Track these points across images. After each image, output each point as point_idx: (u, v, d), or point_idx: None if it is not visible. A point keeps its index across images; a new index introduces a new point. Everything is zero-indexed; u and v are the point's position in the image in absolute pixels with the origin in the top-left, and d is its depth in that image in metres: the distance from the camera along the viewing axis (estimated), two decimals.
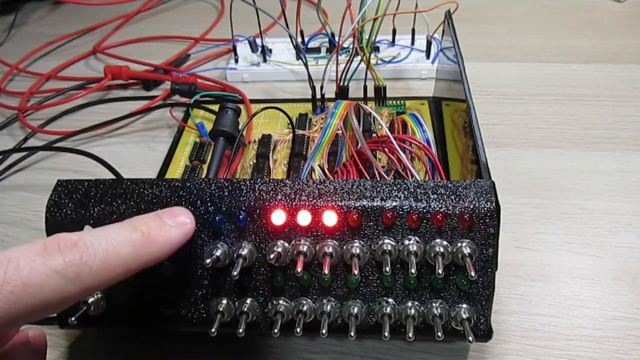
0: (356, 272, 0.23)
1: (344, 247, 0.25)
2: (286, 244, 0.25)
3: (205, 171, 0.40)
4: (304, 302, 0.25)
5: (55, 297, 0.18)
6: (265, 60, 0.53)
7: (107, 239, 0.20)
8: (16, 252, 0.18)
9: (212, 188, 0.25)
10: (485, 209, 0.24)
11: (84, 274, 0.19)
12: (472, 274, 0.23)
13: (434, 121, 0.44)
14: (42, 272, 0.18)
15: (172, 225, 0.23)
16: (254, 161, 0.41)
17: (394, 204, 0.24)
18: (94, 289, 0.20)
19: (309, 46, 0.54)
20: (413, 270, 0.23)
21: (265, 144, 0.42)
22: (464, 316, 0.25)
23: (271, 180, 0.26)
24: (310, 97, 0.45)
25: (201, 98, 0.48)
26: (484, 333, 0.25)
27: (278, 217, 0.25)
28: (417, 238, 0.24)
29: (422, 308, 0.25)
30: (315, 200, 0.25)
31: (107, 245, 0.20)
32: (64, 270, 0.18)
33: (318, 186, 0.25)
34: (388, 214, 0.24)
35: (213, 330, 0.24)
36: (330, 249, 0.24)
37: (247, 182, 0.26)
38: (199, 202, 0.25)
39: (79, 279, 0.19)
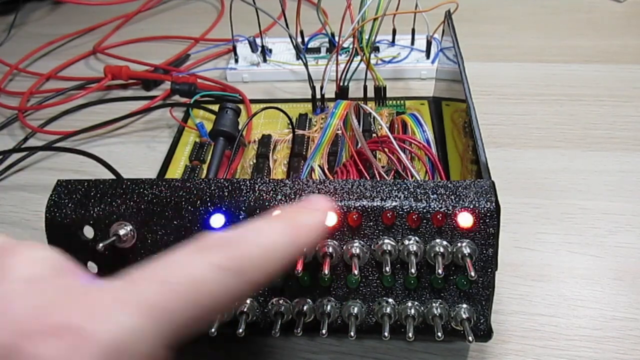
0: (356, 272, 0.23)
1: (344, 247, 0.25)
2: None
3: (205, 171, 0.40)
4: (304, 302, 0.25)
5: (223, 294, 0.17)
6: (265, 60, 0.53)
7: (257, 231, 0.19)
8: (172, 256, 0.17)
9: (212, 188, 0.25)
10: (485, 209, 0.24)
11: (247, 267, 0.18)
12: (472, 274, 0.23)
13: (434, 121, 0.44)
14: (206, 268, 0.17)
15: (312, 209, 0.21)
16: (254, 161, 0.41)
17: (394, 204, 0.24)
18: (260, 284, 0.18)
19: (309, 46, 0.54)
20: (413, 270, 0.23)
21: (265, 144, 0.42)
22: (464, 316, 0.25)
23: (271, 180, 0.26)
24: (310, 97, 0.45)
25: (201, 98, 0.48)
26: (484, 333, 0.25)
27: None
28: (417, 238, 0.24)
29: (422, 308, 0.25)
30: None
31: (259, 237, 0.19)
32: (227, 264, 0.17)
33: (318, 186, 0.25)
34: (388, 214, 0.24)
35: (213, 330, 0.24)
36: (330, 249, 0.24)
37: (247, 182, 0.26)
38: (199, 202, 0.25)
39: (242, 272, 0.17)
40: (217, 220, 0.25)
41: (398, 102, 0.47)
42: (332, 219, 0.24)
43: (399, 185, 0.25)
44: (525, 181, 0.39)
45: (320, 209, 0.22)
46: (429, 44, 0.51)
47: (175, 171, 0.41)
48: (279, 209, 0.22)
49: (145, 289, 0.16)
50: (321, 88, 0.45)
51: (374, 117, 0.40)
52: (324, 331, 0.24)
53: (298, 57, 0.52)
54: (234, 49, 0.53)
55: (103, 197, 0.26)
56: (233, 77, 0.53)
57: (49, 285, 0.16)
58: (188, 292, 0.16)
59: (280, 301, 0.25)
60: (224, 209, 0.25)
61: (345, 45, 0.48)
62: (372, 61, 0.45)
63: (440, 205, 0.24)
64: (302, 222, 0.20)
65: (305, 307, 0.25)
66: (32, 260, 0.17)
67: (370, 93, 0.46)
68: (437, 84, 0.46)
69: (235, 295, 0.17)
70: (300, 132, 0.42)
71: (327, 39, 0.53)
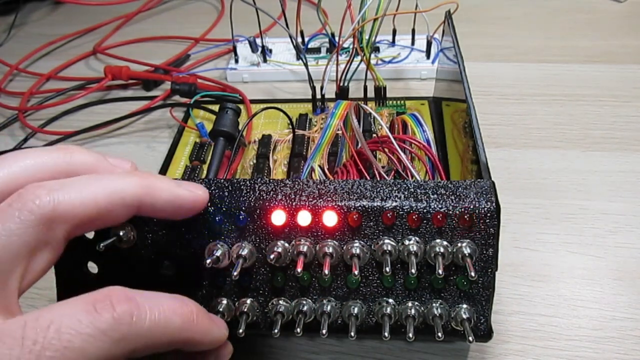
0: (356, 272, 0.23)
1: (344, 247, 0.25)
2: (286, 244, 0.25)
3: (205, 171, 0.40)
4: (304, 302, 0.25)
5: (94, 355, 0.17)
6: (265, 61, 0.53)
7: (159, 304, 0.19)
8: (62, 310, 0.17)
9: (212, 188, 0.25)
10: (485, 209, 0.24)
11: (132, 336, 0.18)
12: (472, 274, 0.23)
13: (434, 121, 0.44)
14: (87, 333, 0.17)
15: (215, 323, 0.23)
16: (254, 161, 0.41)
17: (394, 204, 0.24)
18: (138, 354, 0.19)
19: (309, 46, 0.54)
20: (413, 271, 0.23)
21: (265, 144, 0.42)
22: (464, 316, 0.25)
23: (271, 181, 0.26)
24: (310, 97, 0.45)
25: (201, 98, 0.48)
26: (484, 333, 0.25)
27: (278, 217, 0.25)
28: (417, 238, 0.24)
29: (422, 308, 0.25)
30: (315, 201, 0.25)
31: (158, 308, 0.19)
32: (111, 330, 0.17)
33: (318, 186, 0.25)
34: (388, 214, 0.24)
35: None
36: (330, 249, 0.24)
37: (247, 182, 0.26)
38: None
39: (125, 340, 0.18)
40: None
41: (398, 102, 0.47)
42: (332, 219, 0.24)
43: (399, 186, 0.25)
44: (525, 181, 0.39)
45: (218, 325, 0.23)
46: (429, 44, 0.51)
47: (176, 171, 0.41)
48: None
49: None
50: (321, 88, 0.45)
51: (374, 117, 0.40)
52: (324, 331, 0.24)
53: (298, 57, 0.52)
54: (234, 49, 0.53)
55: None
56: (233, 77, 0.53)
57: None
58: (64, 348, 0.16)
59: (280, 301, 0.25)
60: (224, 209, 0.25)
61: (345, 45, 0.48)
62: (372, 61, 0.45)
63: (440, 206, 0.24)
64: (201, 321, 0.21)
65: (305, 307, 0.25)
66: None
67: (371, 93, 0.46)
68: (437, 84, 0.46)
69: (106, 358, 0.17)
70: (300, 132, 0.42)
71: (327, 39, 0.53)
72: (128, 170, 0.23)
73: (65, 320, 0.17)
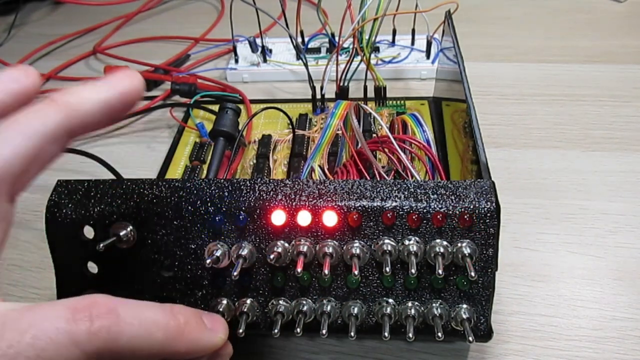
0: (356, 272, 0.23)
1: (344, 247, 0.25)
2: (286, 244, 0.25)
3: (205, 171, 0.40)
4: (304, 302, 0.25)
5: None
6: (265, 61, 0.53)
7: (142, 316, 0.19)
8: (43, 314, 0.17)
9: (212, 188, 0.25)
10: (485, 209, 0.24)
11: (106, 351, 0.17)
12: (472, 274, 0.23)
13: (434, 121, 0.44)
14: (60, 343, 0.16)
15: (209, 329, 0.22)
16: (254, 161, 0.41)
17: (394, 204, 0.24)
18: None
19: (309, 46, 0.54)
20: (413, 271, 0.23)
21: (265, 144, 0.42)
22: (464, 316, 0.25)
23: (271, 181, 0.26)
24: (310, 97, 0.45)
25: (201, 98, 0.48)
26: (484, 333, 0.25)
27: (278, 217, 0.25)
28: (417, 238, 0.24)
29: (422, 308, 0.25)
30: (315, 201, 0.25)
31: (140, 322, 0.18)
32: (85, 343, 0.17)
33: (318, 186, 0.25)
34: (388, 214, 0.24)
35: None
36: (330, 249, 0.24)
37: (247, 182, 0.26)
38: (199, 202, 0.25)
39: (99, 354, 0.17)
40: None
41: (398, 102, 0.47)
42: (332, 219, 0.24)
43: (399, 186, 0.25)
44: (525, 181, 0.39)
45: (213, 330, 0.22)
46: (429, 44, 0.51)
47: (176, 171, 0.41)
48: (179, 305, 0.21)
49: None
50: (321, 88, 0.45)
51: (374, 117, 0.40)
52: (324, 331, 0.24)
53: (298, 57, 0.52)
54: (234, 49, 0.53)
55: (103, 197, 0.26)
56: (233, 77, 0.53)
57: None
58: (37, 356, 0.16)
59: (280, 301, 0.25)
60: (224, 209, 0.25)
61: (345, 45, 0.48)
62: (372, 61, 0.45)
63: (440, 206, 0.24)
64: (189, 333, 0.20)
65: (305, 307, 0.25)
66: None
67: (371, 93, 0.46)
68: (437, 84, 0.46)
69: None
70: (300, 132, 0.42)
71: (327, 39, 0.53)
72: (45, 101, 0.20)
73: (44, 326, 0.17)
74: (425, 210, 0.24)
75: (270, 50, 0.54)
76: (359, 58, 0.43)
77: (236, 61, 0.54)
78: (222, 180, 0.26)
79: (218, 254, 0.24)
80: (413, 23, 0.53)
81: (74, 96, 0.20)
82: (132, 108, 0.21)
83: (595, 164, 0.40)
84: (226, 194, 0.25)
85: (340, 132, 0.35)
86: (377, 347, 0.29)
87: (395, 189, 0.25)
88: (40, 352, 0.16)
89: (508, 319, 0.30)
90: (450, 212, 0.24)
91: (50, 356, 0.16)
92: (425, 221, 0.24)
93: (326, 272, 0.23)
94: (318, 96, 0.45)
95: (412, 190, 0.25)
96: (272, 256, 0.24)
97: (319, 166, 0.33)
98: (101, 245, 0.23)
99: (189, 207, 0.25)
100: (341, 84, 0.45)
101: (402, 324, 0.25)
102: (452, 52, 0.36)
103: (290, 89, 0.51)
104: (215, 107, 0.43)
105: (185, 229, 0.25)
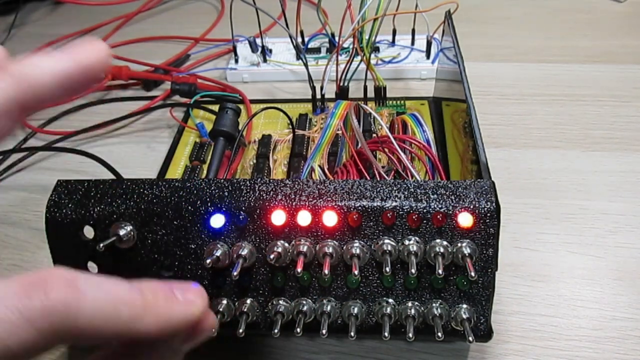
0: (356, 272, 0.23)
1: (344, 247, 0.25)
2: (286, 244, 0.25)
3: (205, 171, 0.40)
4: (304, 302, 0.25)
5: (20, 351, 0.15)
6: (265, 61, 0.53)
7: (106, 289, 0.16)
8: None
9: (212, 188, 0.25)
10: (485, 209, 0.24)
11: (64, 328, 0.15)
12: (472, 274, 0.23)
13: (434, 121, 0.44)
14: (10, 321, 0.14)
15: (180, 301, 0.19)
16: (254, 161, 0.41)
17: (394, 204, 0.24)
18: (78, 345, 0.17)
19: (309, 46, 0.54)
20: (413, 271, 0.23)
21: (265, 144, 0.42)
22: (464, 316, 0.25)
23: (271, 181, 0.26)
24: (310, 97, 0.45)
25: (201, 98, 0.48)
26: (484, 333, 0.25)
27: (278, 217, 0.25)
28: (417, 238, 0.24)
29: (422, 308, 0.25)
30: (315, 201, 0.25)
31: (104, 296, 0.16)
32: (39, 320, 0.15)
33: (318, 186, 0.25)
34: (388, 214, 0.24)
35: (213, 330, 0.24)
36: (330, 249, 0.24)
37: (247, 182, 0.26)
38: (199, 202, 0.25)
39: (55, 332, 0.15)
40: (217, 220, 0.25)
41: (398, 102, 0.47)
42: (332, 219, 0.24)
43: (399, 186, 0.25)
44: (525, 181, 0.39)
45: (185, 302, 0.19)
46: (429, 44, 0.51)
47: (176, 171, 0.41)
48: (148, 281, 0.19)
49: None
50: (321, 88, 0.45)
51: (374, 117, 0.40)
52: (324, 331, 0.24)
53: (298, 57, 0.52)
54: (234, 49, 0.53)
55: (103, 197, 0.26)
56: (233, 77, 0.53)
57: None
58: None
59: (280, 301, 0.25)
60: (224, 209, 0.25)
61: (345, 45, 0.48)
62: (372, 61, 0.45)
63: (440, 206, 0.24)
64: (156, 309, 0.18)
65: (305, 307, 0.25)
66: None
67: (371, 93, 0.46)
68: (437, 84, 0.46)
69: (35, 354, 0.15)
70: (300, 132, 0.42)
71: (327, 39, 0.53)
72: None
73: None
74: (425, 210, 0.24)
75: (270, 50, 0.54)
76: (359, 58, 0.43)
77: (236, 61, 0.54)
78: (222, 180, 0.26)
79: (218, 254, 0.24)
80: (413, 23, 0.53)
81: (29, 67, 0.18)
82: (96, 80, 0.20)
83: (595, 164, 0.40)
84: (226, 194, 0.25)
85: (340, 132, 0.35)
86: (377, 347, 0.29)
87: (395, 189, 0.25)
88: None
89: (508, 319, 0.30)
90: (450, 212, 0.24)
91: (1, 337, 0.14)
92: (425, 221, 0.24)
93: (326, 272, 0.23)
94: (318, 96, 0.45)
95: (412, 190, 0.25)
96: (272, 256, 0.24)
97: (319, 166, 0.33)
98: (101, 245, 0.23)
99: (189, 207, 0.25)
100: (341, 84, 0.45)
101: (402, 324, 0.25)
102: (452, 52, 0.36)
103: (290, 89, 0.51)
104: (215, 107, 0.43)
105: (185, 229, 0.25)
